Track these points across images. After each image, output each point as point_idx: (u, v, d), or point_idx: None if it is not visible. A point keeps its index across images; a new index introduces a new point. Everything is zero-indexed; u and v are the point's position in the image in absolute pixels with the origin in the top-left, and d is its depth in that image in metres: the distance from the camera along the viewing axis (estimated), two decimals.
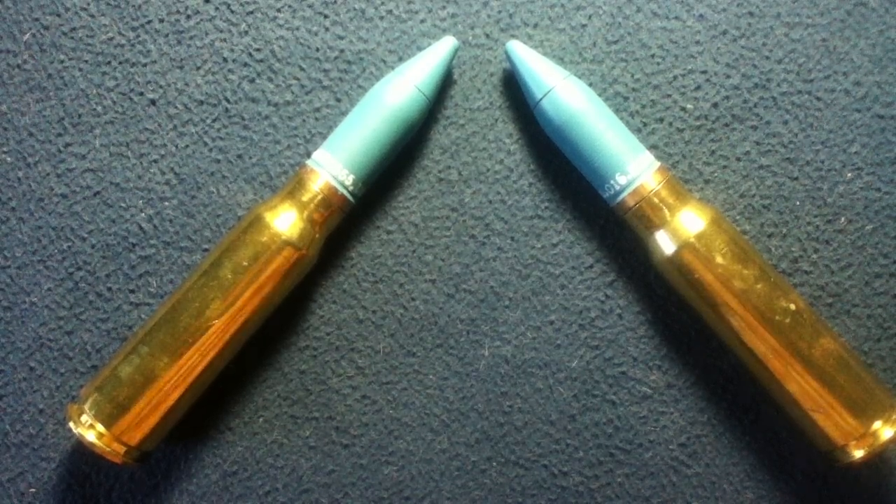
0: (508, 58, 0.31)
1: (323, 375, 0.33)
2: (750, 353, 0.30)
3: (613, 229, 0.32)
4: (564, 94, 0.30)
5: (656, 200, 0.30)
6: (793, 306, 0.29)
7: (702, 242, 0.29)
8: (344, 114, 0.33)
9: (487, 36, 0.33)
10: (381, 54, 0.33)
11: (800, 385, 0.29)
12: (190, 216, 0.33)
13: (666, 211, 0.30)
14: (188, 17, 0.33)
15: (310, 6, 0.33)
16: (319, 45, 0.33)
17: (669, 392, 0.32)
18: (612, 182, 0.30)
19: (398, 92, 0.31)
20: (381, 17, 0.33)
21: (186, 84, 0.33)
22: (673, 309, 0.32)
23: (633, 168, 0.30)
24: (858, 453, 0.29)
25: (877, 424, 0.29)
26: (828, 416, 0.29)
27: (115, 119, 0.33)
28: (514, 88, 0.32)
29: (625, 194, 0.30)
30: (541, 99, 0.30)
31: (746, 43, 0.33)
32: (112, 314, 0.33)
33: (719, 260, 0.29)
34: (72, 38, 0.33)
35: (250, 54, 0.33)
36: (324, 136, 0.33)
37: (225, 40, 0.33)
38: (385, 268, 0.33)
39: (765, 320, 0.29)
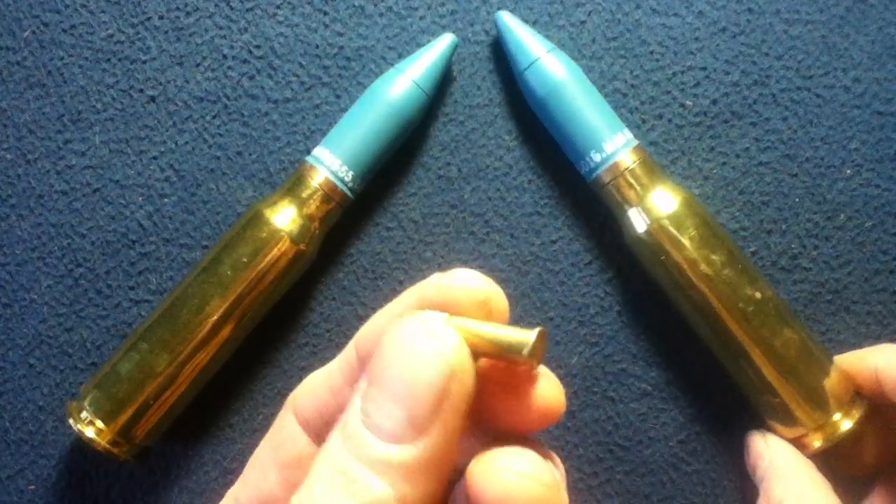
0: (497, 27, 0.32)
1: None
2: (713, 338, 0.30)
3: (613, 226, 0.32)
4: (548, 65, 0.30)
5: (630, 178, 0.30)
6: (758, 295, 0.29)
7: (672, 223, 0.30)
8: (343, 110, 0.33)
9: (487, 33, 0.33)
10: (381, 51, 0.33)
11: (760, 373, 0.29)
12: (189, 213, 0.33)
13: (639, 189, 0.30)
14: (188, 13, 0.33)
15: (309, 3, 0.33)
16: (319, 41, 0.33)
17: (669, 389, 0.32)
18: (588, 158, 0.30)
19: (398, 88, 0.31)
20: (381, 14, 0.33)
21: (186, 81, 0.33)
22: (672, 306, 0.32)
23: (609, 145, 0.30)
24: (817, 443, 0.29)
25: (837, 416, 0.29)
26: (787, 405, 0.29)
27: (115, 116, 0.33)
28: (513, 85, 0.32)
29: (600, 171, 0.30)
30: (525, 69, 0.31)
31: (746, 39, 0.33)
32: (112, 311, 0.33)
33: (687, 242, 0.29)
34: (71, 34, 0.33)
35: (250, 51, 0.33)
36: (323, 133, 0.33)
37: (224, 37, 0.33)
38: (384, 264, 0.33)
39: (728, 306, 0.29)
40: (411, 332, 0.18)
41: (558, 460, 0.20)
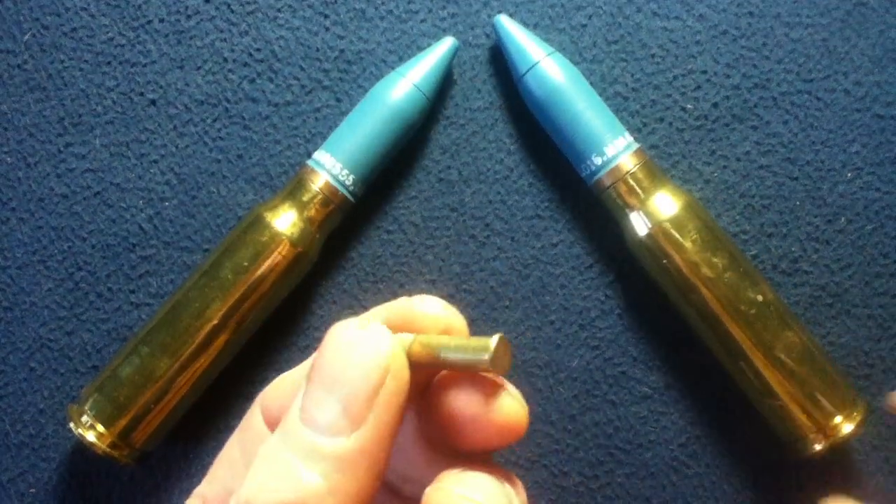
0: (496, 31, 0.31)
1: None
2: (715, 341, 0.30)
3: (614, 229, 0.32)
4: (547, 69, 0.30)
5: (632, 182, 0.30)
6: (760, 297, 0.29)
7: (674, 226, 0.30)
8: (344, 114, 0.33)
9: (487, 36, 0.33)
10: (382, 54, 0.33)
11: (761, 376, 0.29)
12: (190, 216, 0.33)
13: (641, 193, 0.30)
14: (188, 17, 0.33)
15: (310, 6, 0.33)
16: (320, 45, 0.33)
17: (669, 392, 0.32)
18: (589, 161, 0.30)
19: (398, 92, 0.31)
20: (382, 18, 0.33)
21: (187, 84, 0.33)
22: (673, 309, 0.32)
23: (610, 148, 0.30)
24: (818, 446, 0.29)
25: (837, 419, 0.29)
26: (788, 407, 0.29)
27: (116, 119, 0.33)
28: (514, 88, 0.32)
29: (601, 174, 0.30)
30: (525, 73, 0.31)
31: (746, 43, 0.33)
32: (112, 314, 0.33)
33: (689, 245, 0.29)
34: (72, 38, 0.33)
35: (251, 54, 0.33)
36: (324, 136, 0.33)
37: (225, 40, 0.33)
38: (385, 268, 0.33)
39: (730, 309, 0.29)
40: (349, 330, 0.19)
41: (520, 484, 0.21)
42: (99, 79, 0.33)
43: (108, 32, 0.33)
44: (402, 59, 0.33)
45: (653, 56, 0.33)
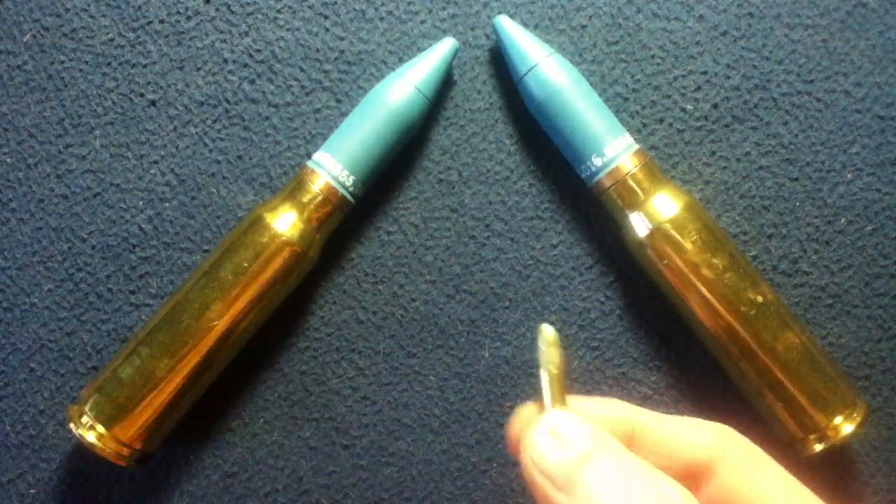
0: (496, 32, 0.31)
1: (323, 376, 0.33)
2: (715, 342, 0.30)
3: (614, 230, 0.32)
4: (547, 70, 0.30)
5: (632, 183, 0.30)
6: (760, 298, 0.29)
7: (674, 227, 0.29)
8: (344, 114, 0.33)
9: (487, 37, 0.33)
10: (382, 55, 0.33)
11: (762, 376, 0.30)
12: (190, 217, 0.33)
13: (641, 194, 0.30)
14: (188, 18, 0.33)
15: (310, 7, 0.33)
16: (320, 45, 0.33)
17: (670, 392, 0.32)
18: (589, 162, 0.30)
19: (398, 93, 0.31)
20: (382, 18, 0.33)
21: (187, 85, 0.33)
22: (673, 310, 0.32)
23: (610, 149, 0.30)
24: (818, 446, 0.29)
25: (838, 419, 0.29)
26: (788, 408, 0.29)
27: (116, 120, 0.33)
28: (514, 88, 0.32)
29: (601, 175, 0.30)
30: (524, 74, 0.31)
31: (746, 44, 0.33)
32: (112, 315, 0.33)
33: (689, 246, 0.29)
34: (72, 39, 0.33)
35: (251, 55, 0.33)
36: (324, 137, 0.33)
37: (225, 41, 0.33)
38: (385, 269, 0.33)
39: (730, 310, 0.29)
40: None
41: None
42: (99, 80, 0.33)
43: (108, 33, 0.33)
44: (402, 60, 0.33)
45: (653, 57, 0.33)
